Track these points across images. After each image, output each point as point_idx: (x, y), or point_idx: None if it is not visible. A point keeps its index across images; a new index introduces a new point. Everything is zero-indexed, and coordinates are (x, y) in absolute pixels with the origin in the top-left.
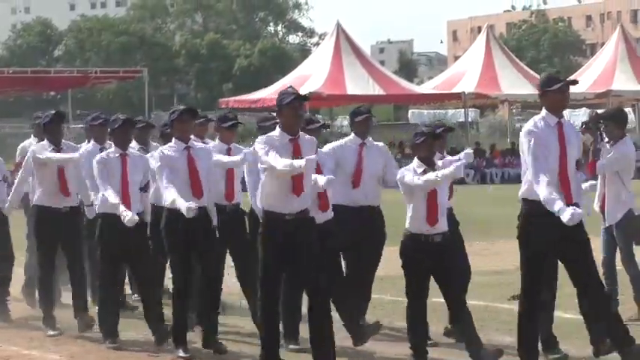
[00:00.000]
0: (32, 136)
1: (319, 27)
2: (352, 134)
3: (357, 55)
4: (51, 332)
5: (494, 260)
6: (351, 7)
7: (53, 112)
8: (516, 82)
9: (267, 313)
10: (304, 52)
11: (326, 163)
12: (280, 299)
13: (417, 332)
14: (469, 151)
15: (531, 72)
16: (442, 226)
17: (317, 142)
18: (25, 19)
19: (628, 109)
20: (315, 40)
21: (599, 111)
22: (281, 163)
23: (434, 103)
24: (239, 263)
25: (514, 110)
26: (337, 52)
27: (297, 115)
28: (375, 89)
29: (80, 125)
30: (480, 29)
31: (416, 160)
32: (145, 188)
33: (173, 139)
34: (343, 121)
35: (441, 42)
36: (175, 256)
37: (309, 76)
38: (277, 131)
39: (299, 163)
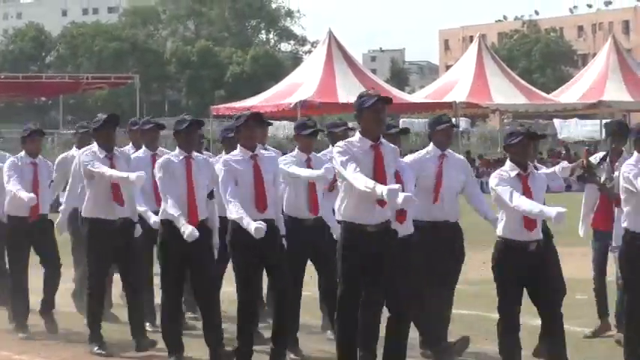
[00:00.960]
0: (74, 147)
1: (311, 35)
2: (431, 145)
3: (349, 63)
4: (96, 349)
5: (484, 269)
6: (343, 16)
7: (105, 115)
8: (508, 92)
9: (346, 335)
10: (296, 60)
11: (410, 177)
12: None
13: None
14: (565, 165)
15: (523, 82)
16: (538, 233)
17: (398, 150)
18: (16, 24)
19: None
20: (307, 48)
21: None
22: (362, 182)
23: (425, 112)
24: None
25: (505, 120)
26: (329, 60)
27: (380, 119)
28: None
29: (71, 131)
30: (471, 39)
31: (509, 163)
32: (210, 195)
33: (238, 147)
34: None
35: None
36: (243, 270)
37: (300, 84)
38: (357, 137)
39: (380, 189)
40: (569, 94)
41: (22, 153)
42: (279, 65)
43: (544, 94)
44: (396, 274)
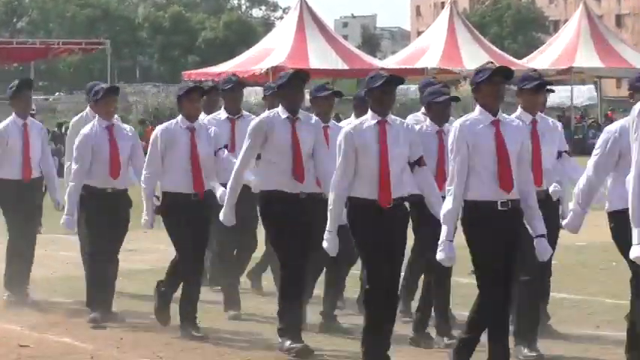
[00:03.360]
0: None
1: (282, 1)
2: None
3: (321, 29)
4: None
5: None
6: None
7: (292, 71)
8: (479, 58)
9: None
10: (268, 26)
11: None
12: None
13: None
14: None
15: (494, 48)
16: None
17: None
18: None
19: (590, 86)
20: (278, 14)
21: None
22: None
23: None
24: None
25: None
26: (301, 26)
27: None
28: (338, 63)
29: (42, 97)
30: (443, 5)
31: None
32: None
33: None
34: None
35: None
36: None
37: (272, 50)
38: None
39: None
40: (541, 60)
41: (179, 118)
42: (252, 31)
43: (515, 60)
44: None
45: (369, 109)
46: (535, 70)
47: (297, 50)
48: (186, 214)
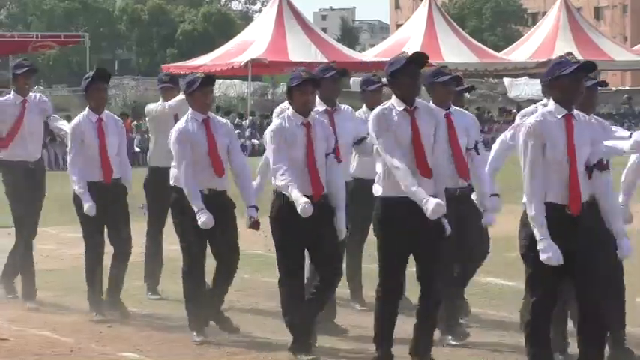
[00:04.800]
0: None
1: None
2: None
3: (300, 22)
4: None
5: None
6: None
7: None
8: (458, 51)
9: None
10: (247, 19)
11: None
12: None
13: None
14: None
15: (473, 41)
16: None
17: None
18: None
19: None
20: (257, 7)
21: None
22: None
23: (376, 71)
24: None
25: None
26: (280, 19)
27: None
28: (317, 56)
29: None
30: None
31: None
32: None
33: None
34: (284, 88)
35: None
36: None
37: (251, 43)
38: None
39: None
40: (520, 52)
41: (290, 112)
42: (231, 24)
43: (494, 53)
44: None
45: (552, 101)
46: None
47: (276, 43)
48: (297, 219)
